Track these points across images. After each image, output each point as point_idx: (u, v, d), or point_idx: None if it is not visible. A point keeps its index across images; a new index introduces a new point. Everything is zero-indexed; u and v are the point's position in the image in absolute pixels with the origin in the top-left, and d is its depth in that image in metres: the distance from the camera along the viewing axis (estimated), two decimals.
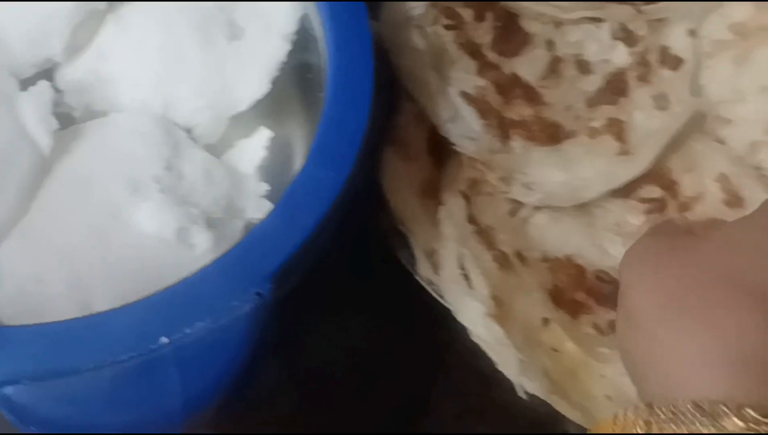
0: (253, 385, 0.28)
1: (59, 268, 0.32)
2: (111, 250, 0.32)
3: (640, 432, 0.25)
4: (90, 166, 0.34)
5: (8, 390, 0.25)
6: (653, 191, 0.41)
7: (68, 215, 0.33)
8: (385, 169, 0.38)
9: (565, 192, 0.40)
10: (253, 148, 0.37)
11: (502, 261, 0.37)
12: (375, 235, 0.38)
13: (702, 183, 0.41)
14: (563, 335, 0.36)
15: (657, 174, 0.41)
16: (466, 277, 0.36)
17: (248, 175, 0.37)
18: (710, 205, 0.40)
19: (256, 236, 0.29)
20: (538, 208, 0.39)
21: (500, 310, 0.35)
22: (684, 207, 0.41)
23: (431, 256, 0.37)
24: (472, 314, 0.35)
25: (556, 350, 0.36)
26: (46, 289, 0.31)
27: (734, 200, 0.40)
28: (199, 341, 0.27)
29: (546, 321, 0.36)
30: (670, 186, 0.41)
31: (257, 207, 0.35)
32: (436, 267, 0.36)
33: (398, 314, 0.40)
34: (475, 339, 0.35)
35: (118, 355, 0.26)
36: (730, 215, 0.39)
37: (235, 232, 0.34)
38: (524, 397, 0.34)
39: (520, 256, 0.38)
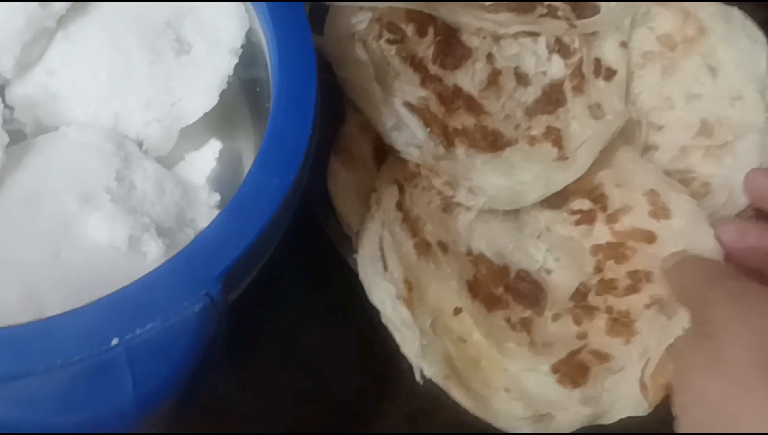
0: (204, 386, 0.29)
1: (12, 278, 0.32)
2: (63, 260, 0.33)
3: None
4: (41, 178, 0.35)
5: None
6: (583, 204, 0.43)
7: (20, 227, 0.34)
8: (332, 177, 0.39)
9: (507, 196, 0.41)
10: (204, 160, 0.38)
11: (423, 249, 0.38)
12: (327, 243, 0.39)
13: (631, 197, 0.42)
14: (473, 326, 0.37)
15: (588, 188, 0.43)
16: (383, 259, 0.37)
17: (199, 185, 0.37)
18: (638, 216, 0.42)
19: (204, 239, 0.30)
20: (469, 208, 0.41)
21: (411, 295, 0.37)
22: (612, 218, 0.42)
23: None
24: (383, 295, 0.36)
25: (463, 339, 0.37)
26: None
27: (661, 212, 0.42)
28: (150, 341, 0.27)
29: (458, 310, 0.38)
30: (599, 199, 0.43)
31: (208, 217, 0.36)
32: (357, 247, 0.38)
33: (351, 320, 0.41)
34: (384, 320, 0.37)
35: (71, 357, 0.26)
36: (657, 227, 0.41)
37: (186, 241, 0.35)
38: (420, 381, 0.36)
39: (443, 247, 0.39)
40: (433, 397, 0.40)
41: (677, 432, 0.32)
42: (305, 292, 0.42)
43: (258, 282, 0.34)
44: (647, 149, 0.45)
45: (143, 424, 0.28)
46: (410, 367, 0.40)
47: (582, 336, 0.38)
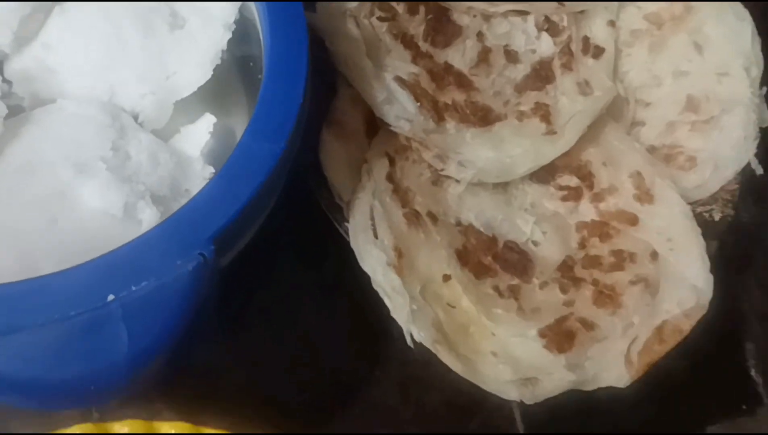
0: (197, 355, 0.29)
1: (8, 244, 0.33)
2: (59, 227, 0.34)
3: None
4: (38, 149, 0.36)
5: None
6: (571, 180, 0.44)
7: (17, 196, 0.35)
8: (323, 148, 0.40)
9: (496, 169, 0.42)
10: (198, 133, 0.39)
11: (413, 219, 0.39)
12: (320, 212, 0.40)
13: (618, 178, 0.43)
14: (462, 292, 0.38)
15: (576, 165, 0.44)
16: (374, 227, 0.38)
17: (194, 158, 0.38)
18: (623, 198, 0.43)
19: (197, 202, 0.30)
20: (458, 180, 0.41)
21: (401, 262, 0.38)
22: (598, 198, 0.43)
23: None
24: (374, 262, 0.37)
25: (452, 305, 0.38)
26: None
27: (645, 197, 0.43)
28: (144, 298, 0.28)
29: (447, 277, 0.39)
30: (587, 177, 0.44)
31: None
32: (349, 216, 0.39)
33: (343, 289, 0.42)
34: (375, 286, 0.37)
35: (68, 312, 0.27)
36: (640, 210, 0.42)
37: None
38: (411, 345, 0.36)
39: (433, 217, 0.40)
40: (424, 364, 0.41)
41: None
42: (297, 262, 0.43)
43: (251, 250, 0.35)
44: (634, 125, 0.46)
45: (137, 386, 0.29)
46: (401, 335, 0.41)
47: (569, 304, 0.39)
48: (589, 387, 0.37)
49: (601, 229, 0.42)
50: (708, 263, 0.40)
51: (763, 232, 0.47)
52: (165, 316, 0.29)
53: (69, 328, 0.27)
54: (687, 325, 0.38)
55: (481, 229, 0.41)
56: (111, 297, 0.27)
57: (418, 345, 0.38)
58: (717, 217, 0.43)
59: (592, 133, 0.44)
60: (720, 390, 0.42)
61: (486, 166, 0.42)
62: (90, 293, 0.28)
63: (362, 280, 0.39)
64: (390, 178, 0.40)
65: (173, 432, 0.30)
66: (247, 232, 0.33)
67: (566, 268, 0.40)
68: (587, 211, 0.43)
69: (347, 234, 0.38)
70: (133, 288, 0.28)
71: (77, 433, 0.29)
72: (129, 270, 0.28)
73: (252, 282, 0.41)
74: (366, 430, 0.40)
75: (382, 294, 0.37)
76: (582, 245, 0.41)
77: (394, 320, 0.38)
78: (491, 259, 0.40)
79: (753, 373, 0.43)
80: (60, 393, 0.27)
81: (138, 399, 0.35)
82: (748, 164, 0.44)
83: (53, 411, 0.30)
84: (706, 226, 0.42)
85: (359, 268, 0.39)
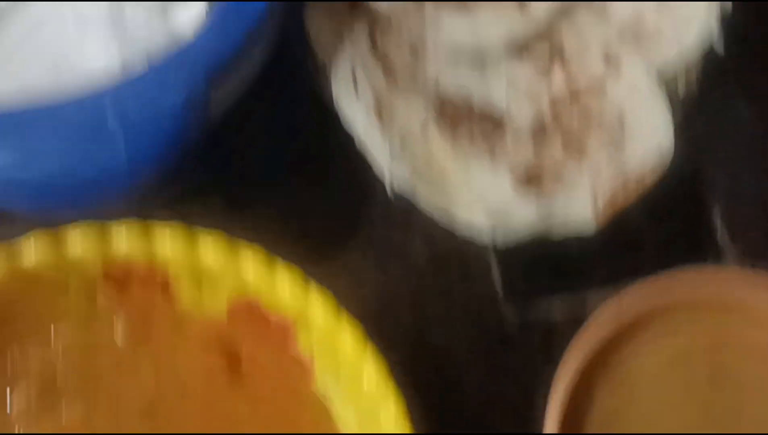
0: (190, 168, 0.32)
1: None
2: (63, 84, 0.37)
3: None
4: (39, 13, 0.39)
5: None
6: (543, 55, 0.46)
7: (22, 53, 0.37)
8: (309, 17, 0.42)
9: (471, 44, 0.45)
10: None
11: (392, 81, 0.42)
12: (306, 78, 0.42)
13: (588, 52, 0.46)
14: (439, 142, 0.41)
15: (548, 42, 0.46)
16: (356, 87, 0.41)
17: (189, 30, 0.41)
18: (593, 71, 0.45)
19: (189, 42, 0.33)
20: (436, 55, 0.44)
21: (381, 116, 0.40)
22: (569, 70, 0.46)
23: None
24: (356, 117, 0.40)
25: (429, 155, 0.41)
26: None
27: (613, 70, 0.45)
28: (140, 124, 0.31)
29: (424, 126, 0.41)
30: (559, 52, 0.46)
31: None
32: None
33: (327, 159, 0.45)
34: (356, 143, 0.40)
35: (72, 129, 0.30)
36: (609, 82, 0.45)
37: None
38: (391, 195, 0.39)
39: (413, 80, 0.43)
40: (405, 226, 0.44)
41: None
42: (283, 131, 0.46)
43: (239, 111, 0.38)
44: (606, 4, 0.48)
45: (135, 201, 0.32)
46: (383, 199, 0.44)
47: (539, 156, 0.42)
48: (557, 233, 0.40)
49: (571, 98, 0.44)
50: (671, 127, 0.43)
51: (723, 105, 0.50)
52: (158, 141, 0.31)
53: (68, 130, 0.30)
54: (650, 179, 0.41)
55: (458, 94, 0.44)
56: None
57: (399, 207, 0.42)
58: (681, 92, 0.46)
59: (564, 10, 0.46)
60: (684, 245, 0.45)
61: (462, 42, 0.45)
62: (92, 114, 0.30)
63: (345, 144, 0.41)
64: (371, 45, 0.42)
65: (168, 231, 0.33)
66: (237, 79, 0.36)
67: (538, 128, 0.43)
68: (559, 82, 0.45)
69: (330, 99, 0.41)
70: (130, 113, 0.31)
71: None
72: (128, 97, 0.31)
73: (238, 151, 0.44)
74: (352, 287, 0.42)
75: (364, 149, 0.40)
76: (553, 112, 0.44)
77: (376, 181, 0.41)
78: (466, 115, 0.42)
79: (719, 231, 0.46)
80: (61, 194, 0.30)
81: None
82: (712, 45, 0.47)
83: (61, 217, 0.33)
84: (670, 100, 0.45)
85: (342, 133, 0.41)
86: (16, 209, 0.38)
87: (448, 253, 0.43)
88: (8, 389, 0.35)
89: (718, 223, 0.46)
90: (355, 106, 0.40)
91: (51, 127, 0.30)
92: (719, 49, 0.46)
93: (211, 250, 0.35)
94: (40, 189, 0.30)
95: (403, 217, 0.42)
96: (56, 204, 0.31)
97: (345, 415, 0.36)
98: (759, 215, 0.47)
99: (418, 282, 0.44)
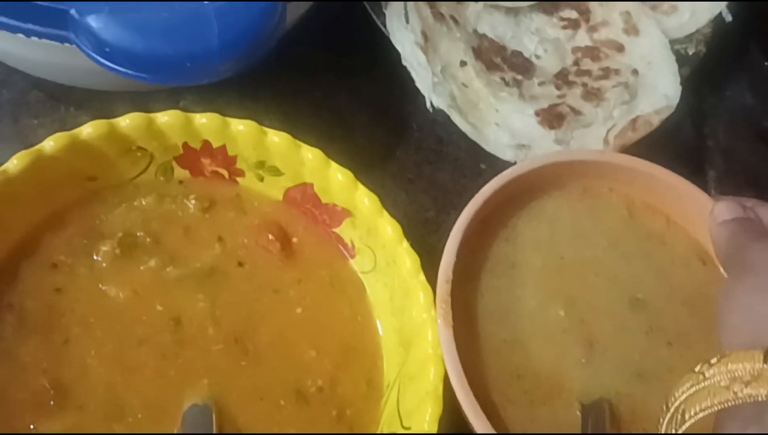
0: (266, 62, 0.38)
1: None
2: None
3: None
4: None
5: (90, 19, 0.35)
6: (571, 14, 0.52)
7: None
8: None
9: None
10: None
11: (439, 16, 0.48)
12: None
13: (610, 14, 0.52)
14: (474, 76, 0.46)
15: (575, 1, 0.52)
16: (406, 16, 0.46)
17: None
18: (613, 30, 0.51)
19: None
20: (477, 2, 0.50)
21: (426, 44, 0.46)
22: (592, 29, 0.52)
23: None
24: (404, 40, 0.45)
25: (465, 85, 0.46)
26: None
27: (631, 30, 0.51)
28: (232, 15, 0.36)
29: (463, 63, 0.47)
30: (584, 12, 0.52)
31: None
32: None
33: (374, 79, 0.51)
34: (403, 62, 0.45)
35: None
36: (627, 41, 0.50)
37: None
38: (430, 109, 0.44)
39: (455, 20, 0.48)
40: (435, 151, 0.50)
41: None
42: (337, 52, 0.51)
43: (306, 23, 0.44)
44: None
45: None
46: (420, 127, 0.50)
47: (561, 97, 0.47)
48: None
49: (592, 52, 0.50)
50: (678, 78, 0.48)
51: (728, 64, 0.56)
52: (245, 32, 0.37)
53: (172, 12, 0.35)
54: (656, 120, 0.46)
55: (494, 39, 0.49)
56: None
57: (431, 135, 0.47)
58: (691, 52, 0.51)
59: None
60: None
61: None
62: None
63: (393, 59, 0.47)
64: None
65: (242, 128, 0.39)
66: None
67: (561, 75, 0.49)
68: (582, 38, 0.51)
69: (384, 26, 0.47)
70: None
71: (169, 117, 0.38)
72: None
73: (296, 69, 0.50)
74: (385, 193, 0.47)
75: (409, 67, 0.45)
76: (576, 63, 0.50)
77: (417, 95, 0.46)
78: (500, 59, 0.48)
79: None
80: (166, 66, 0.36)
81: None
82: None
83: (157, 85, 0.39)
84: (681, 58, 0.50)
85: (391, 50, 0.47)
86: (117, 91, 0.44)
87: (472, 180, 0.48)
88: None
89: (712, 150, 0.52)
90: (404, 31, 0.45)
91: (159, 5, 0.35)
92: (727, 16, 0.52)
93: (276, 145, 0.40)
94: (147, 60, 0.35)
95: (434, 151, 0.48)
96: (157, 76, 0.36)
97: (381, 299, 0.41)
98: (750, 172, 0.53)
99: (442, 197, 0.49)
